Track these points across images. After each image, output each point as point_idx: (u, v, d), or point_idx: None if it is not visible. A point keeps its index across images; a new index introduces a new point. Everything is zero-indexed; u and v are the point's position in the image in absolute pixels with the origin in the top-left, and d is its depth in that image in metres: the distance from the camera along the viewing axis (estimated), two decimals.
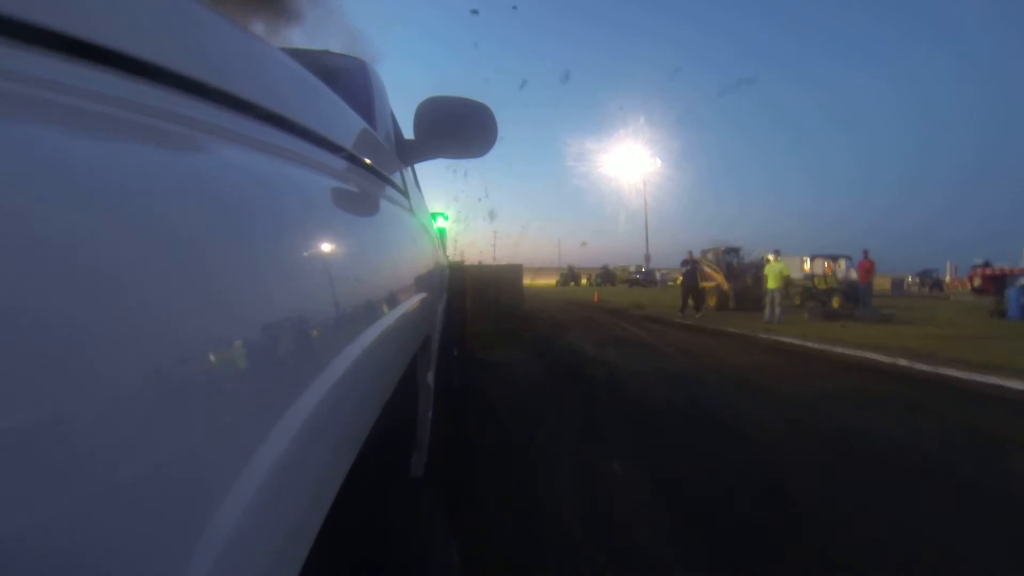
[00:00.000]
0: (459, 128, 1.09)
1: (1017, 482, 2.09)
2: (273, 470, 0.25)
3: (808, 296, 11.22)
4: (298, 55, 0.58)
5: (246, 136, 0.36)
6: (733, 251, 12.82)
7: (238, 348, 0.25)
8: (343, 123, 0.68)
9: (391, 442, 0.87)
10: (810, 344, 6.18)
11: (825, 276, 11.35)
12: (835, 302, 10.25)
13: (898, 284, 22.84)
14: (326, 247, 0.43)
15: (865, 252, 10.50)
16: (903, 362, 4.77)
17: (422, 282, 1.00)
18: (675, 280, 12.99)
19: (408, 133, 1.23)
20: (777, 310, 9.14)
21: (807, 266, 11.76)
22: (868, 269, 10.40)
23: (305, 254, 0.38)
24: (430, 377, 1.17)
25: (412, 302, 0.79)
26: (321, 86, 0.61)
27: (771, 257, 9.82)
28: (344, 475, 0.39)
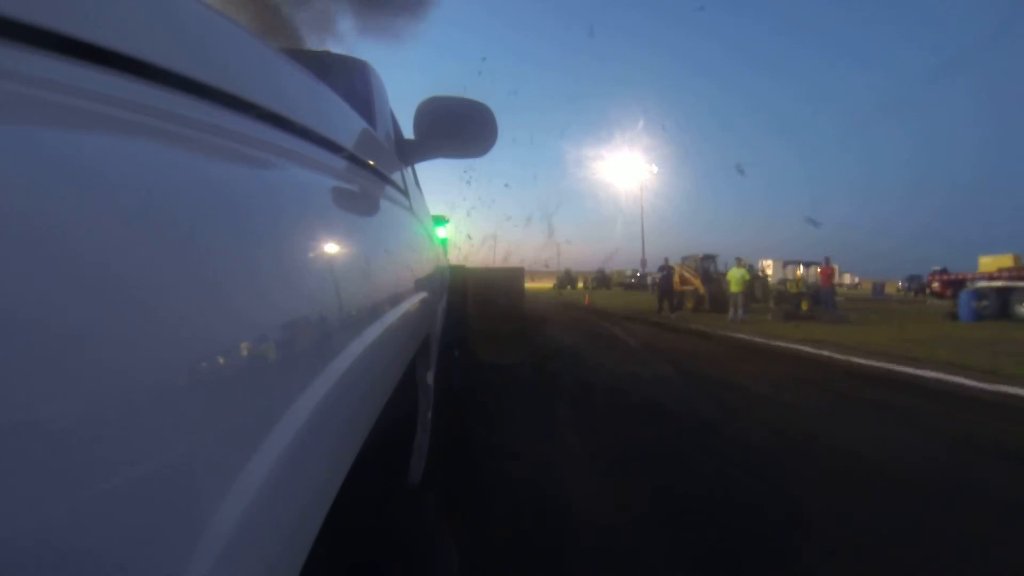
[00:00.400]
0: (459, 128, 1.09)
1: (846, 421, 3.13)
2: (272, 471, 0.25)
3: (782, 299, 12.25)
4: (298, 55, 0.58)
5: (246, 136, 0.36)
6: (710, 258, 14.07)
7: (237, 348, 0.25)
8: (343, 123, 0.68)
9: (391, 443, 0.87)
10: (756, 339, 7.01)
11: (796, 281, 12.48)
12: (804, 304, 11.21)
13: (879, 288, 23.82)
14: (326, 247, 0.43)
15: (826, 259, 11.65)
16: (824, 352, 5.61)
17: (422, 282, 1.00)
18: None
19: (408, 133, 1.23)
20: (740, 311, 10.19)
21: (799, 272, 12.95)
22: (828, 275, 11.47)
23: (305, 254, 0.38)
24: (430, 377, 1.17)
25: (412, 302, 0.79)
26: (321, 86, 0.61)
27: (738, 265, 11.26)
28: (343, 476, 0.39)
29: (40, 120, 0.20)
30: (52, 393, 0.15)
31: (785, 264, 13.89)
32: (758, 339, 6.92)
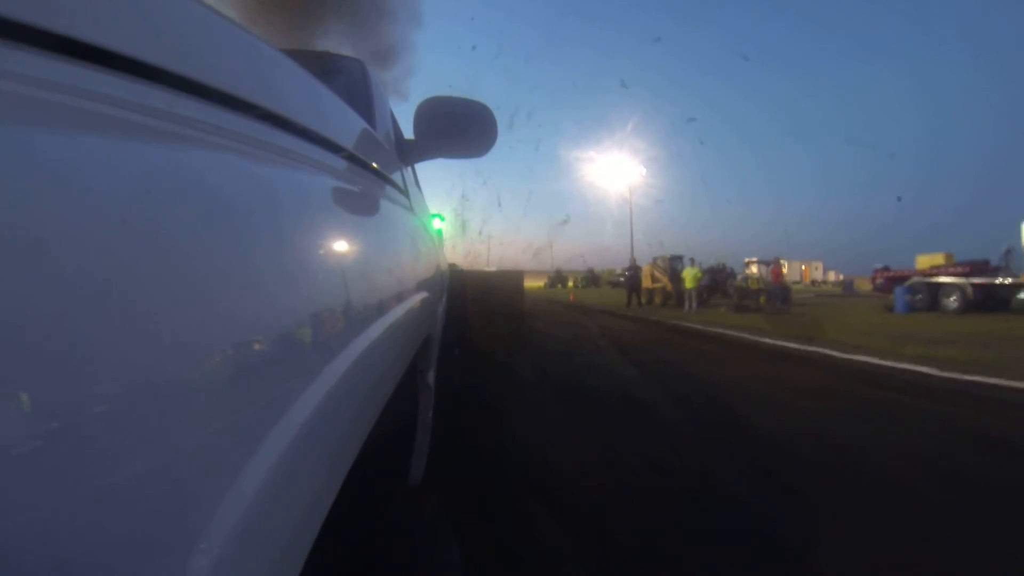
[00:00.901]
0: (459, 128, 1.09)
1: (712, 369, 4.35)
2: (272, 471, 0.25)
3: (744, 294, 13.40)
4: (298, 56, 0.58)
5: (246, 136, 0.36)
6: (677, 258, 15.83)
7: (237, 348, 0.25)
8: (343, 123, 0.68)
9: (391, 443, 0.87)
10: (694, 325, 8.46)
11: (759, 278, 13.86)
12: (761, 299, 12.58)
13: (848, 284, 24.72)
14: (326, 247, 0.43)
15: (777, 259, 13.69)
16: (745, 335, 6.77)
17: (423, 282, 1.00)
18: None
19: (408, 133, 1.23)
20: (693, 304, 12.60)
21: (786, 268, 14.12)
22: (777, 272, 13.30)
23: (305, 254, 0.38)
24: (431, 377, 1.17)
25: (412, 302, 0.79)
26: (321, 86, 0.61)
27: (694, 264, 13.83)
28: (344, 476, 0.39)
29: (40, 120, 0.20)
30: (51, 393, 0.15)
31: (747, 262, 15.51)
32: (696, 326, 8.37)
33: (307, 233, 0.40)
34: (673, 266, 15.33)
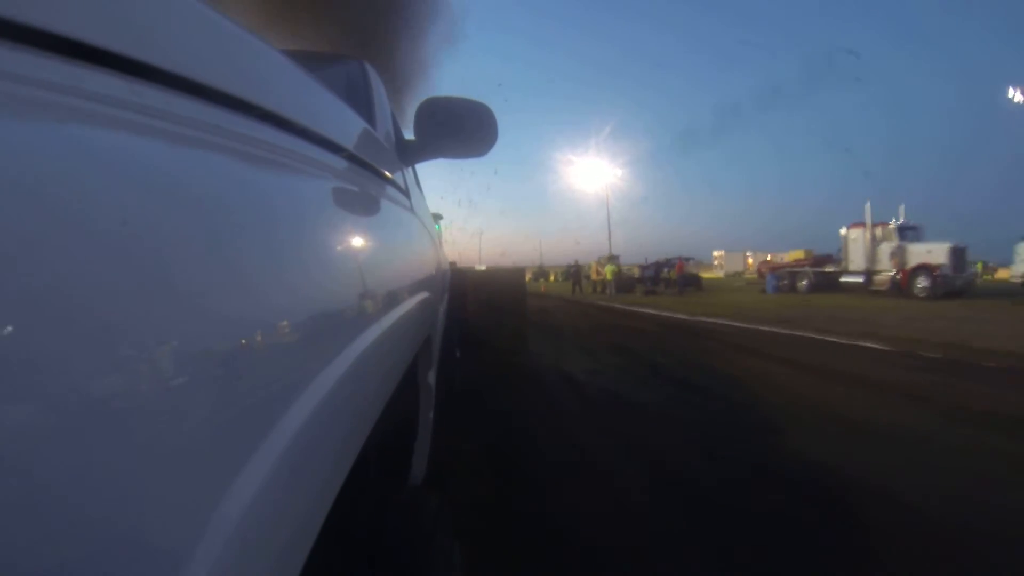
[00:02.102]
0: (459, 128, 1.09)
1: (599, 321, 8.96)
2: (273, 471, 0.25)
3: (668, 284, 18.88)
4: (298, 56, 0.58)
5: (247, 136, 0.36)
6: (614, 257, 22.47)
7: (238, 348, 0.25)
8: (343, 123, 0.68)
9: (392, 443, 0.87)
10: (601, 303, 13.39)
11: (677, 270, 19.18)
12: (676, 287, 17.92)
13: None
14: (327, 247, 0.43)
15: (681, 258, 19.89)
16: (627, 307, 11.31)
17: (423, 282, 1.00)
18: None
19: (408, 133, 1.23)
20: (612, 290, 18.46)
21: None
22: (680, 267, 19.16)
23: (306, 254, 0.38)
24: (431, 377, 1.17)
25: (413, 302, 0.79)
26: (321, 86, 0.61)
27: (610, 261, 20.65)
28: (345, 476, 0.39)
29: (40, 120, 0.20)
30: (52, 393, 0.15)
31: (667, 260, 20.99)
32: (602, 303, 13.35)
33: (307, 233, 0.40)
34: (612, 259, 21.97)
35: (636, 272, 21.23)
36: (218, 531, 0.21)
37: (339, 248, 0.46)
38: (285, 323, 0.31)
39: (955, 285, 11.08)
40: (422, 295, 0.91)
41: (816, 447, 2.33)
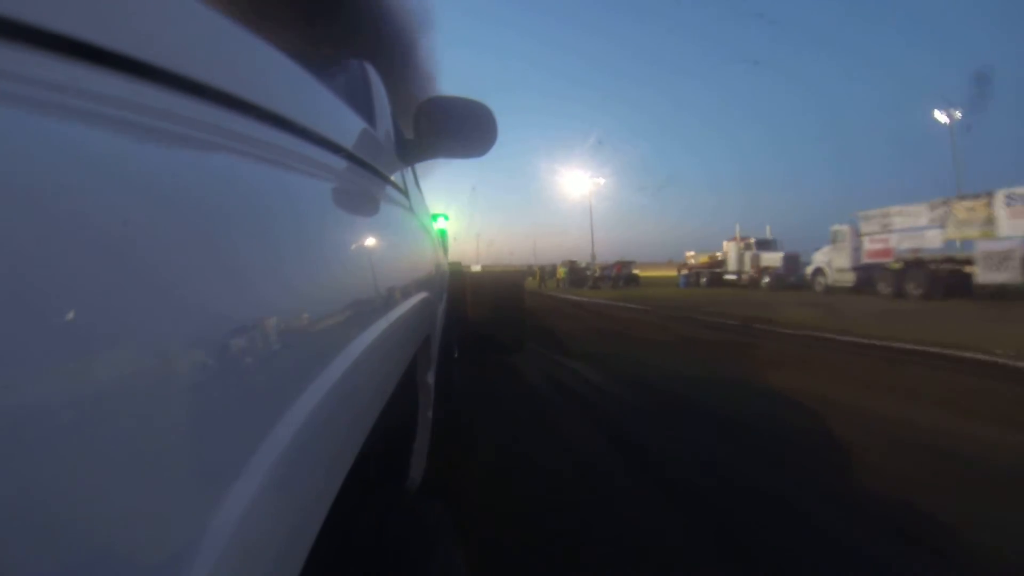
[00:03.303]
0: (459, 128, 1.09)
1: (542, 304, 12.91)
2: (272, 471, 0.25)
3: (598, 279, 23.94)
4: (298, 56, 0.58)
5: (246, 136, 0.36)
6: (573, 261, 28.30)
7: (237, 348, 0.25)
8: (343, 123, 0.68)
9: (391, 443, 0.87)
10: (551, 293, 18.33)
11: (616, 270, 24.63)
12: (620, 283, 22.88)
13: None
14: (326, 247, 0.43)
15: (619, 260, 25.75)
16: (567, 296, 16.62)
17: (422, 282, 1.00)
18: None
19: (408, 133, 1.23)
20: (565, 284, 24.76)
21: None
22: (619, 267, 24.44)
23: (305, 254, 0.38)
24: (430, 377, 1.17)
25: (412, 302, 0.79)
26: (321, 86, 0.61)
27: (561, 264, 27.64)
28: (343, 476, 0.39)
29: (40, 120, 0.20)
30: (51, 393, 0.15)
31: (614, 262, 26.10)
32: (552, 293, 18.06)
33: (307, 233, 0.40)
34: (571, 263, 27.73)
35: (562, 272, 27.49)
36: (217, 531, 0.21)
37: (338, 247, 0.46)
38: (284, 323, 0.31)
39: (789, 281, 16.10)
40: (421, 295, 0.91)
41: (614, 327, 7.45)
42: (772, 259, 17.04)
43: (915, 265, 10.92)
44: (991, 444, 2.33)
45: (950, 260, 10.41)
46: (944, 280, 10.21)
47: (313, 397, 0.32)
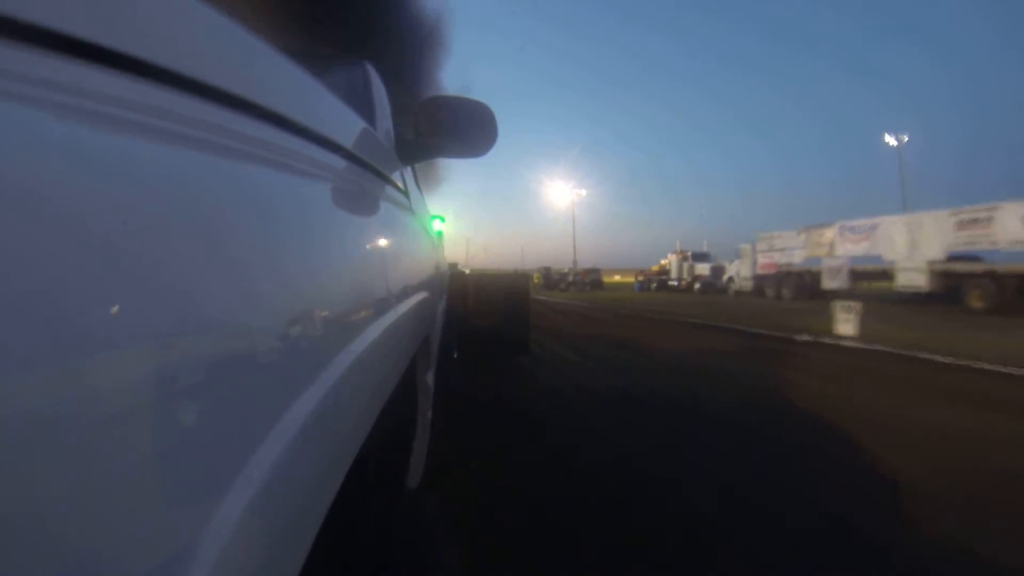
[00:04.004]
0: (459, 127, 1.09)
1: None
2: (271, 471, 0.25)
3: (569, 284, 27.71)
4: (298, 56, 0.58)
5: (246, 136, 0.36)
6: (548, 268, 31.86)
7: (236, 349, 0.25)
8: (343, 123, 0.68)
9: (390, 443, 0.87)
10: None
11: (583, 276, 28.45)
12: (586, 287, 26.39)
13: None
14: (326, 246, 0.43)
15: (587, 268, 29.65)
16: (539, 296, 15.96)
17: (422, 282, 1.00)
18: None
19: (408, 133, 1.23)
20: (539, 287, 26.59)
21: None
22: (584, 273, 27.99)
23: (305, 254, 0.38)
24: (429, 377, 1.17)
25: (412, 302, 0.79)
26: (321, 86, 0.61)
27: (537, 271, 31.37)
28: (343, 476, 0.39)
29: (40, 120, 0.20)
30: (51, 394, 0.15)
31: (588, 269, 30.00)
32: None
33: (306, 233, 0.40)
34: (545, 271, 31.20)
35: (537, 277, 30.72)
36: (218, 531, 0.21)
37: (337, 248, 0.46)
38: (283, 323, 0.31)
39: (716, 287, 19.83)
40: (421, 295, 0.91)
41: (558, 311, 11.35)
42: (703, 268, 21.57)
43: (787, 275, 15.41)
44: (727, 368, 4.39)
45: (808, 272, 14.76)
46: (807, 286, 14.46)
47: (313, 397, 0.32)
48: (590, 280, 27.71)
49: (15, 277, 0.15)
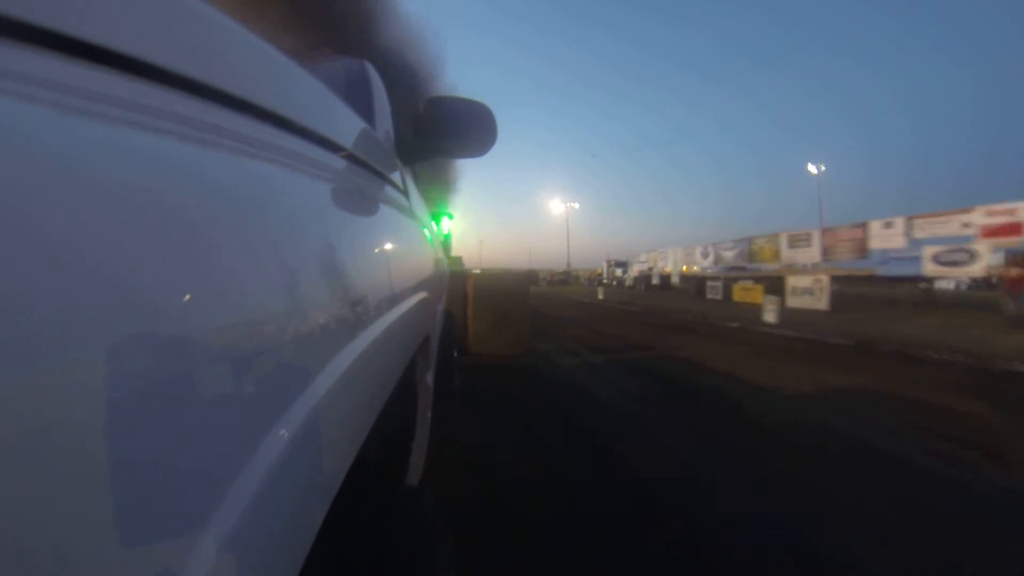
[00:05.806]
0: (460, 128, 1.09)
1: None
2: (271, 470, 0.25)
3: (554, 282, 40.45)
4: (298, 56, 0.58)
5: (246, 136, 0.36)
6: (531, 270, 35.13)
7: (236, 348, 0.25)
8: (343, 123, 0.68)
9: (390, 443, 0.87)
10: None
11: (551, 277, 44.21)
12: (556, 284, 40.34)
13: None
14: (325, 247, 0.43)
15: (562, 271, 47.01)
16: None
17: (422, 282, 1.00)
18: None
19: (408, 133, 1.23)
20: None
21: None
22: (552, 276, 44.60)
23: (304, 254, 0.38)
24: (429, 377, 1.17)
25: (411, 302, 0.79)
26: (321, 86, 0.61)
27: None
28: (343, 476, 0.39)
29: (40, 120, 0.20)
30: (53, 393, 0.15)
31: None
32: None
33: (306, 233, 0.40)
34: (528, 271, 32.44)
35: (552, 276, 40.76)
36: (217, 529, 0.21)
37: (338, 247, 0.46)
38: (283, 322, 0.31)
39: (624, 283, 28.95)
40: (420, 295, 0.91)
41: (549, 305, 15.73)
42: (619, 272, 32.48)
43: (641, 277, 26.11)
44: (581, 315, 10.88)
45: (647, 275, 25.18)
46: (644, 281, 25.11)
47: (312, 397, 0.32)
48: (559, 280, 39.28)
49: (15, 277, 0.15)
